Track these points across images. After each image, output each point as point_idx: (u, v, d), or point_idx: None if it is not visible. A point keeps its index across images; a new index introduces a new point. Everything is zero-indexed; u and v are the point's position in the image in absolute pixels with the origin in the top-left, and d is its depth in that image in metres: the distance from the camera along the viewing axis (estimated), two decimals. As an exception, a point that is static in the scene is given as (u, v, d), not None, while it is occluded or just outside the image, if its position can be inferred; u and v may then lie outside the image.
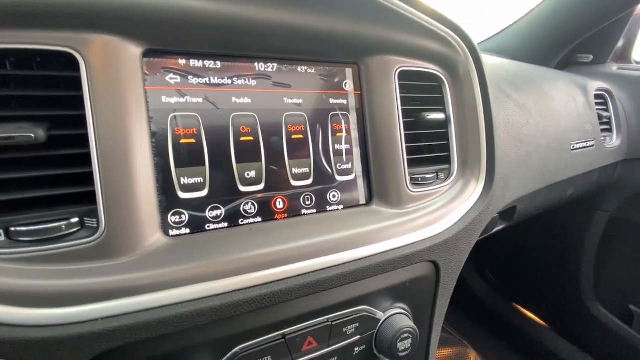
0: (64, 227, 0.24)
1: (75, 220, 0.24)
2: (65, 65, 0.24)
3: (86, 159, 0.24)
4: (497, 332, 1.10)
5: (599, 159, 0.71)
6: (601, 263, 0.91)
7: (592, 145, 0.68)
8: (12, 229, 0.23)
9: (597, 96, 0.74)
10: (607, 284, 0.91)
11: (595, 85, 0.75)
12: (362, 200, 0.37)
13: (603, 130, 0.74)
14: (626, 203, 0.84)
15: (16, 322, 0.21)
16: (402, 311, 0.35)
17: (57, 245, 0.23)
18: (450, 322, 1.08)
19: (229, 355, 0.27)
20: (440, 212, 0.38)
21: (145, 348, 0.24)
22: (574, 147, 0.64)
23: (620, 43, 0.92)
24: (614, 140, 0.76)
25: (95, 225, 0.24)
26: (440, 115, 0.41)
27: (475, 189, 0.41)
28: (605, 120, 0.75)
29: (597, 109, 0.73)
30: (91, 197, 0.24)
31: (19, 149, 0.23)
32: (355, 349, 0.33)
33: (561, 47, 0.87)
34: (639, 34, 0.93)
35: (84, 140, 0.24)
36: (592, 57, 0.89)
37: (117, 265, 0.24)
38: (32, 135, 0.22)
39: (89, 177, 0.24)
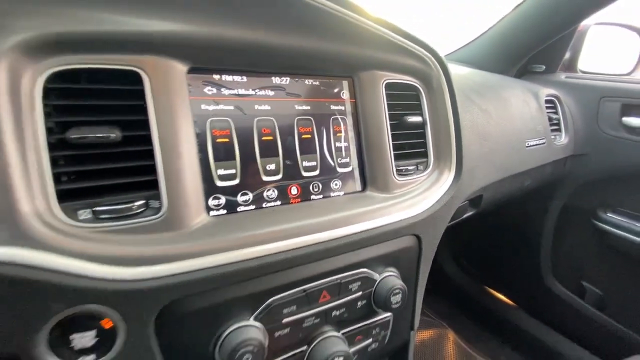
0: (134, 207, 0.30)
1: (141, 202, 0.31)
2: (131, 81, 0.31)
3: (149, 154, 0.31)
4: (472, 314, 1.22)
5: (550, 155, 0.83)
6: (557, 246, 1.04)
7: (544, 143, 0.80)
8: (96, 208, 0.29)
9: (547, 101, 0.87)
10: (563, 264, 1.04)
11: (546, 91, 0.88)
12: (358, 188, 0.45)
13: (553, 130, 0.86)
14: (576, 193, 0.98)
15: (110, 277, 0.27)
16: (394, 273, 0.44)
17: (130, 221, 0.30)
18: (430, 307, 1.18)
19: (264, 305, 0.34)
20: (421, 196, 0.47)
21: (201, 299, 0.31)
22: (528, 144, 0.76)
23: (567, 55, 1.06)
24: (563, 139, 0.89)
25: (157, 206, 0.31)
26: (418, 119, 0.50)
27: (447, 178, 0.51)
28: (554, 121, 0.88)
29: (548, 112, 0.86)
30: (153, 184, 0.31)
31: (101, 146, 0.29)
32: (359, 303, 0.41)
33: (518, 58, 1.00)
34: (583, 47, 1.08)
35: (147, 139, 0.31)
36: (544, 67, 1.03)
37: (176, 236, 0.31)
38: (113, 135, 0.29)
39: (152, 168, 0.31)
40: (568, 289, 1.03)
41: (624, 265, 0.91)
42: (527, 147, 0.75)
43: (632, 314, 0.91)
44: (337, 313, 0.41)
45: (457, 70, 0.76)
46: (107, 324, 0.28)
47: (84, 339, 0.28)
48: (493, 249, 1.21)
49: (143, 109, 0.31)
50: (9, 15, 0.25)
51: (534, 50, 0.97)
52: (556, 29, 0.92)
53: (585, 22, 0.96)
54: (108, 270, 0.27)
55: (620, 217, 0.91)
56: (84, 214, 0.29)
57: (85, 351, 0.28)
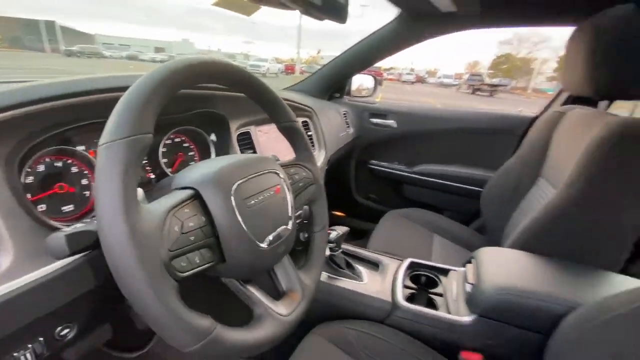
0: None
1: None
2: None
3: None
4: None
5: (348, 137, 1.86)
6: (357, 177, 2.15)
7: (345, 133, 1.81)
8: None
9: (344, 114, 1.89)
10: (361, 185, 2.16)
11: (342, 109, 1.89)
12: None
13: (347, 128, 1.89)
14: (360, 153, 2.09)
15: None
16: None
17: None
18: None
19: None
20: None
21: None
22: (340, 135, 1.73)
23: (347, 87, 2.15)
24: (351, 130, 1.93)
25: None
26: (310, 132, 1.31)
27: (320, 153, 1.35)
28: (347, 121, 1.91)
29: (345, 119, 1.87)
30: None
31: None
32: None
33: (328, 89, 1.98)
34: (352, 83, 2.19)
35: None
36: (339, 94, 2.06)
37: None
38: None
39: None
40: (365, 198, 2.18)
41: (383, 182, 2.09)
42: (340, 135, 1.72)
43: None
44: None
45: (294, 96, 1.58)
46: None
47: None
48: (337, 182, 2.23)
49: None
50: None
51: (335, 86, 1.97)
52: (350, 74, 1.94)
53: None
54: None
55: (377, 161, 2.07)
56: None
57: None
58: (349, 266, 1.02)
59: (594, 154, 0.84)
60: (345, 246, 1.10)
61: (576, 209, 0.86)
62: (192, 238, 0.40)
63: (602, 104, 1.38)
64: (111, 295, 0.54)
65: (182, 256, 0.39)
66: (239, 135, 0.92)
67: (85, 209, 0.58)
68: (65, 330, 0.48)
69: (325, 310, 0.90)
